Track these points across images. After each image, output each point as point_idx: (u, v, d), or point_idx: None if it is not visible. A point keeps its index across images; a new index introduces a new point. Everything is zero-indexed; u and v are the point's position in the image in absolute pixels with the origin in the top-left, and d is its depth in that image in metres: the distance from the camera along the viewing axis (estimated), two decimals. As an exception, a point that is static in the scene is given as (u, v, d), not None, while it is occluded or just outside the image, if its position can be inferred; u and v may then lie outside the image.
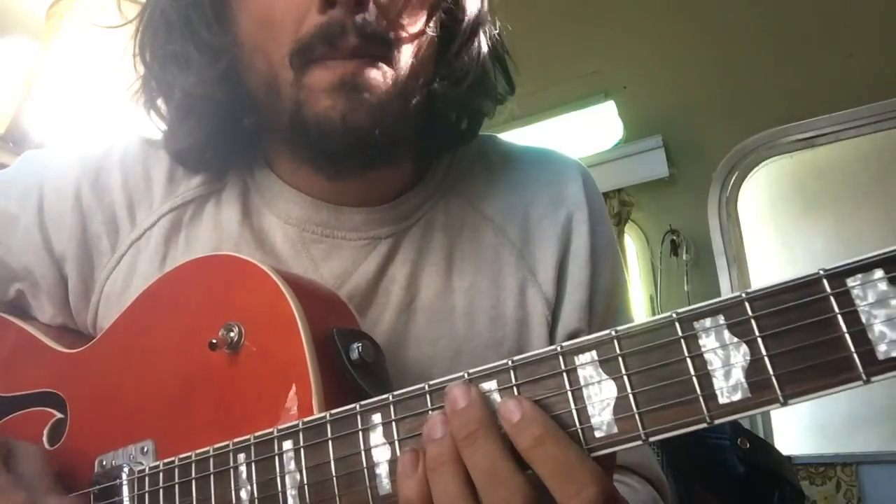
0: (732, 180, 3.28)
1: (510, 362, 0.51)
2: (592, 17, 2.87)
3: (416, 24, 0.75)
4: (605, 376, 0.48)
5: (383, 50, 0.72)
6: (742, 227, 3.31)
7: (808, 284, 0.43)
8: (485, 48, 0.84)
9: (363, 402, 0.57)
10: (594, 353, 0.49)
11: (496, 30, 0.88)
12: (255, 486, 0.60)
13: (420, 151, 0.88)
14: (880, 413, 2.89)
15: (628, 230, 3.52)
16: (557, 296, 0.86)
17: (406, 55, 0.74)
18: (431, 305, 0.83)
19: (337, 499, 0.56)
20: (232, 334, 0.68)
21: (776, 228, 3.28)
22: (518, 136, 3.35)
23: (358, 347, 0.66)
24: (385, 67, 0.72)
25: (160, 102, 0.85)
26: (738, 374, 0.44)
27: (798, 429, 3.07)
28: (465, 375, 0.53)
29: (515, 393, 0.51)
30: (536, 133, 3.47)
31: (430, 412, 0.53)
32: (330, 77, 0.71)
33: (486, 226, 0.88)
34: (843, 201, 3.10)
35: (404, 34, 0.74)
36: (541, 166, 0.93)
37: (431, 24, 0.77)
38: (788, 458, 2.44)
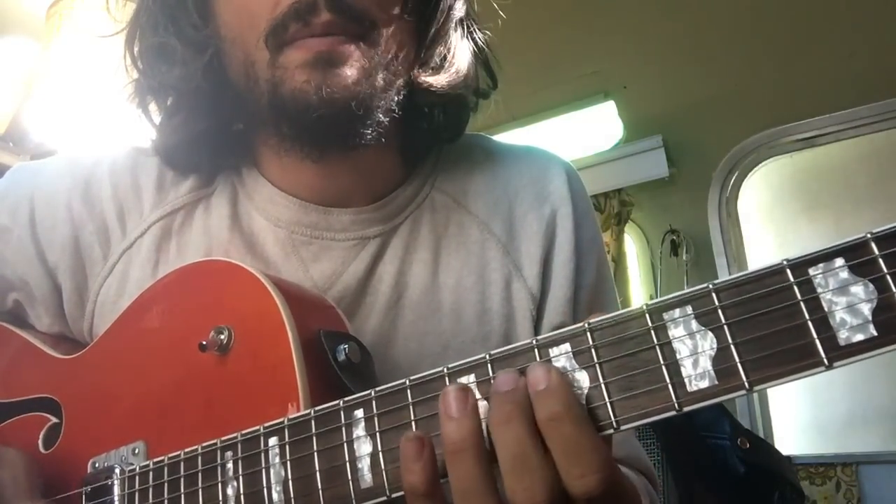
0: (732, 180, 3.28)
1: (487, 356, 0.52)
2: (592, 17, 2.87)
3: (391, 6, 0.76)
4: (577, 367, 0.49)
5: (359, 29, 0.73)
6: (742, 227, 3.31)
7: (772, 274, 0.44)
8: (463, 39, 0.85)
9: (346, 399, 0.57)
10: (568, 345, 0.50)
11: (476, 26, 0.89)
12: (241, 482, 0.61)
13: (406, 148, 0.90)
14: (880, 413, 2.89)
15: (628, 230, 3.52)
16: (542, 291, 0.87)
17: (382, 36, 0.75)
18: (419, 302, 0.84)
19: (320, 493, 0.56)
20: (222, 337, 0.69)
21: (776, 228, 3.27)
22: (518, 137, 3.37)
23: (344, 349, 0.67)
24: (362, 45, 0.73)
25: (152, 107, 0.86)
26: (705, 363, 0.45)
27: (798, 429, 3.06)
28: (445, 370, 0.53)
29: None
30: (536, 133, 3.47)
31: (442, 392, 0.52)
32: (304, 54, 0.72)
33: (472, 222, 0.89)
34: (842, 201, 3.10)
35: (380, 15, 0.75)
36: (525, 163, 0.94)
37: (408, 8, 0.78)
38: (788, 458, 2.43)
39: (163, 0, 0.81)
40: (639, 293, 3.52)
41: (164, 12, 0.81)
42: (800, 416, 3.07)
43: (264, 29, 0.73)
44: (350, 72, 0.72)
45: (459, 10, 0.84)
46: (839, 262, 0.42)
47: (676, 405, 0.45)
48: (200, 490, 0.63)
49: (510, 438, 0.48)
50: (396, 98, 0.78)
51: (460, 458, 0.49)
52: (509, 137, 3.27)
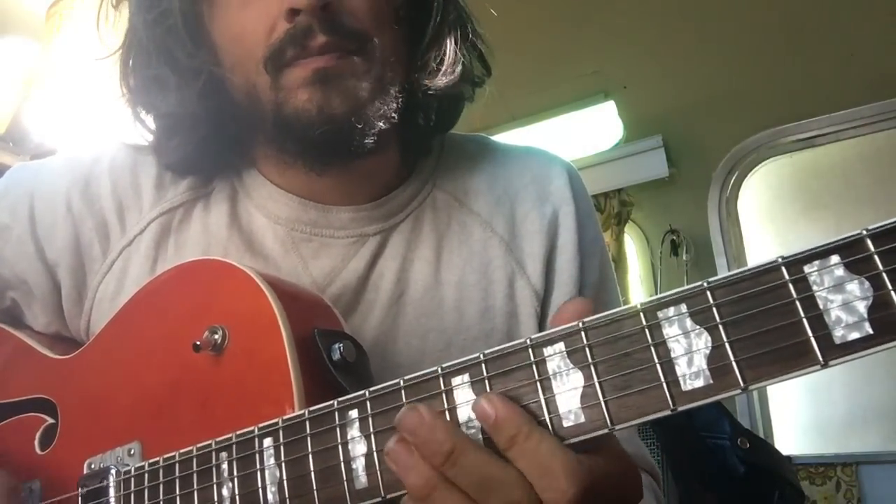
0: (732, 180, 3.28)
1: (481, 356, 0.52)
2: (592, 17, 2.87)
3: (383, 18, 0.77)
4: (572, 367, 0.49)
5: (354, 44, 0.75)
6: (742, 227, 3.31)
7: (767, 272, 0.43)
8: (457, 39, 0.85)
9: (341, 399, 0.57)
10: (562, 344, 0.49)
11: (471, 23, 0.89)
12: (236, 483, 0.61)
13: (405, 146, 0.90)
14: (880, 413, 2.89)
15: (628, 230, 3.52)
16: (546, 289, 0.87)
17: (377, 48, 0.76)
18: (421, 299, 0.84)
19: (314, 493, 0.56)
20: (216, 336, 0.69)
21: (776, 228, 3.27)
22: (518, 137, 3.37)
23: (339, 348, 0.67)
24: (357, 59, 0.74)
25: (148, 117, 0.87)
26: (700, 362, 0.44)
27: (798, 429, 3.06)
28: (439, 370, 0.53)
29: (487, 386, 0.51)
30: (536, 133, 3.48)
31: (385, 451, 0.52)
32: (304, 73, 0.73)
33: (474, 220, 0.89)
34: (843, 201, 3.09)
35: (374, 28, 0.76)
36: (526, 163, 0.94)
37: (400, 18, 0.79)
38: (788, 458, 2.43)
39: (155, 30, 0.80)
40: (639, 293, 3.52)
41: (156, 43, 0.81)
42: (800, 416, 3.07)
43: (262, 55, 0.74)
44: (349, 86, 0.74)
45: (452, 13, 0.85)
46: (834, 259, 0.41)
47: (671, 404, 0.45)
48: (196, 491, 0.63)
49: (466, 469, 0.49)
50: (395, 105, 0.79)
51: (432, 500, 0.50)
52: (509, 137, 3.29)
